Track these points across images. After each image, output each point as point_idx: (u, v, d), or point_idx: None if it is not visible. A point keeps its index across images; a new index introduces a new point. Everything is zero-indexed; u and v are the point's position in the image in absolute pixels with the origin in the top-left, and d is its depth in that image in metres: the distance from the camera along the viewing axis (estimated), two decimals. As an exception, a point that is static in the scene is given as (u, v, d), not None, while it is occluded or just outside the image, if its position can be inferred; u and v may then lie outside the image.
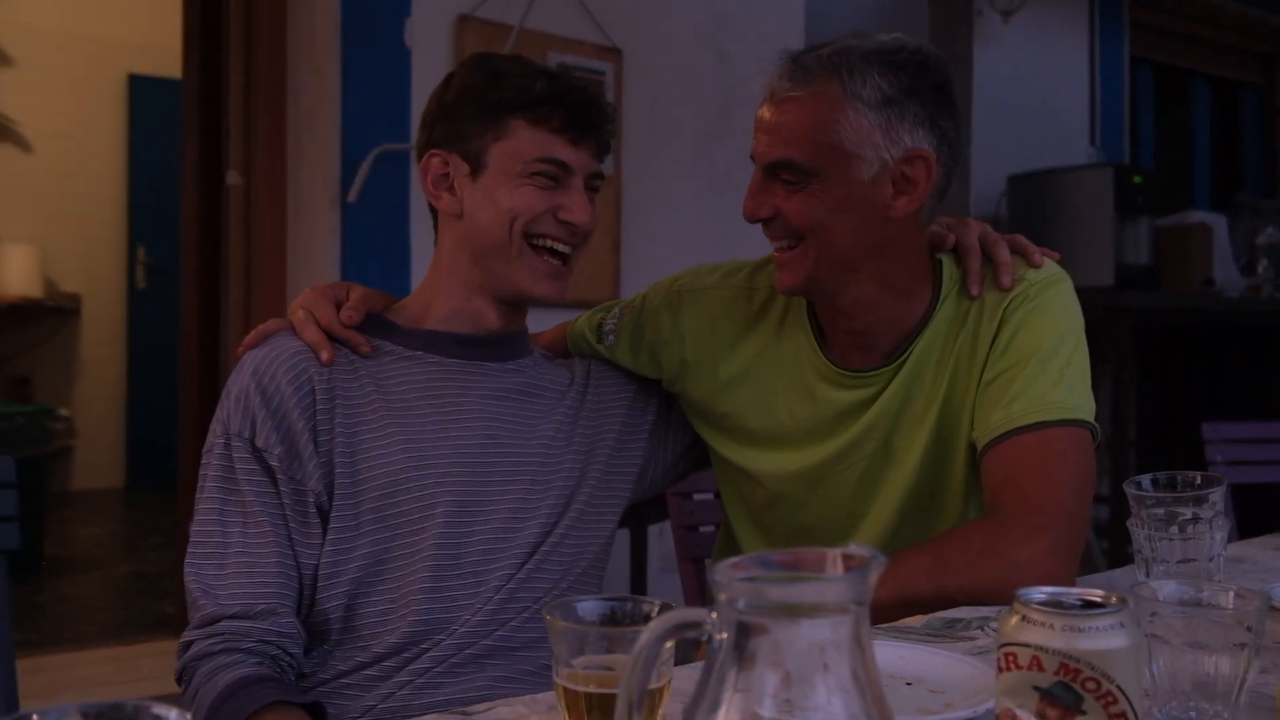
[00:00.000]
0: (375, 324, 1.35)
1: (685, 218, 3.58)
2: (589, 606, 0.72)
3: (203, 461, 1.27)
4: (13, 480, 1.83)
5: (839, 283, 1.31)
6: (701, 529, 1.84)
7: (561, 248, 1.31)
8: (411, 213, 3.25)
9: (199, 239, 3.48)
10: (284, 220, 3.28)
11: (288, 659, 1.20)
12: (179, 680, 1.20)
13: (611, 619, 0.72)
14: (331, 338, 1.29)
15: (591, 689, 0.69)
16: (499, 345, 1.37)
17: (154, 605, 3.80)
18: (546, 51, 3.27)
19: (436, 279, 1.38)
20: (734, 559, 0.51)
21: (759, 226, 1.35)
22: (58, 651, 3.23)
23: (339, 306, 1.33)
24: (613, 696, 0.68)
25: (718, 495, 1.60)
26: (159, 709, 0.55)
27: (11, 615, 1.73)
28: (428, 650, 1.22)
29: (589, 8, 3.40)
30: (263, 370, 1.26)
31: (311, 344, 1.28)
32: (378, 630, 1.23)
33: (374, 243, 3.23)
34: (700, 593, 1.80)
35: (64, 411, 4.45)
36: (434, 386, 1.32)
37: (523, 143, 1.29)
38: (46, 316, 5.79)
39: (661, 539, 3.15)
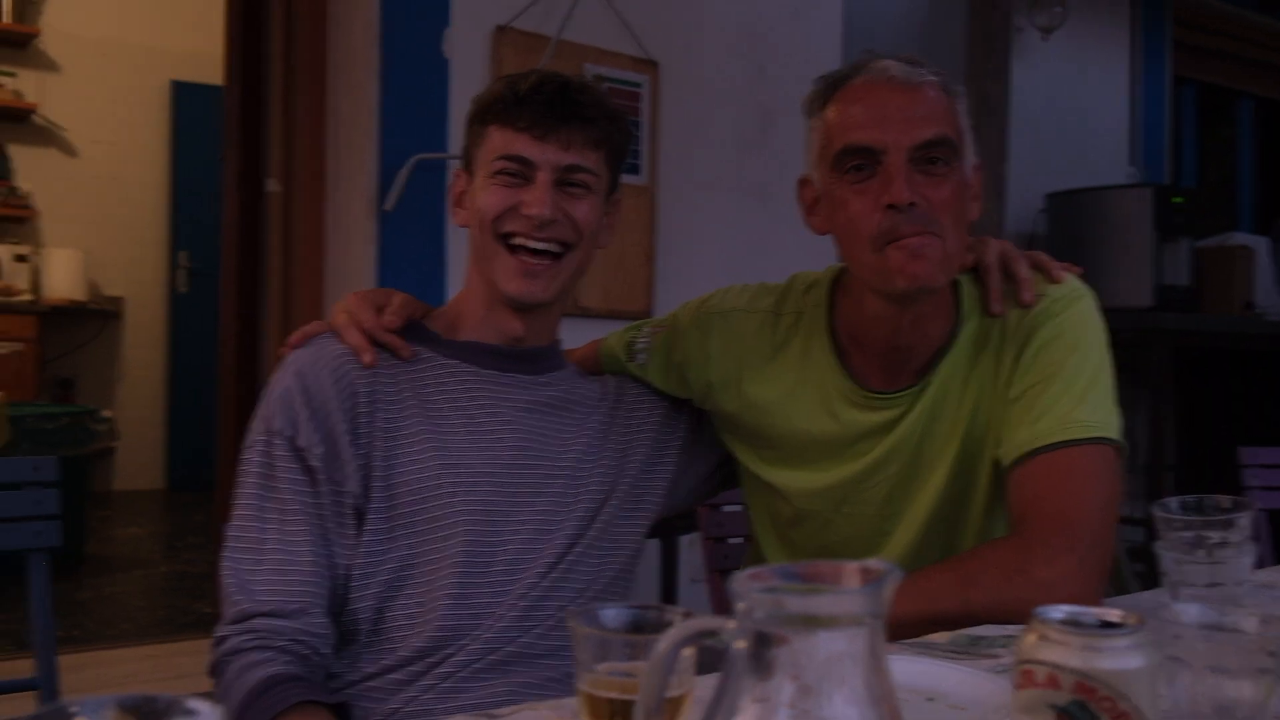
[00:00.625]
0: (414, 331, 1.37)
1: (721, 229, 3.59)
2: (613, 614, 0.73)
3: (243, 459, 1.29)
4: (55, 479, 1.87)
5: (939, 288, 1.31)
6: (730, 541, 1.85)
7: (535, 244, 1.31)
8: (447, 221, 3.29)
9: (239, 245, 3.54)
10: (323, 227, 3.32)
11: (318, 659, 1.22)
12: (212, 674, 1.21)
13: (635, 627, 0.73)
14: (373, 341, 1.32)
15: (613, 695, 0.70)
16: (533, 358, 1.39)
17: (192, 605, 3.85)
18: (583, 63, 3.29)
19: (467, 290, 1.41)
20: (752, 569, 0.52)
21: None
22: (98, 648, 3.28)
23: (380, 311, 1.35)
24: (633, 703, 0.69)
25: (747, 508, 1.61)
26: (192, 703, 0.57)
27: (54, 612, 1.77)
28: (452, 655, 1.23)
29: (626, 20, 3.42)
30: (306, 371, 1.28)
31: (354, 347, 1.30)
32: (404, 634, 1.25)
33: (410, 251, 3.26)
34: (728, 604, 1.80)
35: (106, 413, 4.52)
36: (469, 396, 1.33)
37: (492, 144, 1.32)
38: (90, 319, 5.88)
39: (692, 550, 3.15)
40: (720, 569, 1.83)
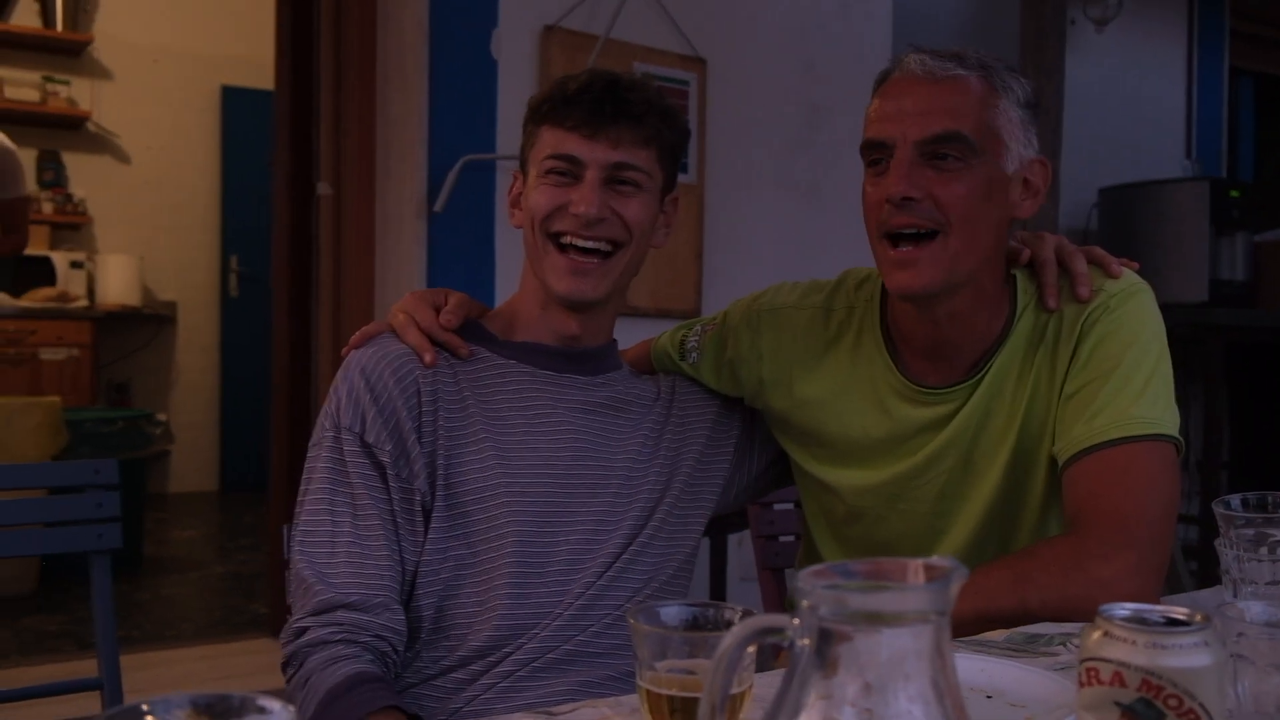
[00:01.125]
0: (471, 331, 1.38)
1: (769, 227, 3.59)
2: (672, 611, 0.74)
3: (310, 454, 1.30)
4: (116, 482, 1.91)
5: (955, 287, 1.30)
6: (781, 539, 1.85)
7: (583, 243, 1.32)
8: (496, 222, 3.31)
9: (290, 248, 3.58)
10: (372, 229, 3.35)
11: (395, 656, 1.23)
12: (287, 663, 1.22)
13: (694, 624, 0.73)
14: (432, 341, 1.33)
15: (674, 692, 0.70)
16: (588, 358, 1.39)
17: (247, 605, 3.90)
18: (631, 62, 3.30)
19: (522, 290, 1.42)
20: (816, 566, 0.52)
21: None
22: (156, 649, 3.33)
23: (438, 311, 1.36)
24: (694, 700, 0.69)
25: (798, 505, 1.61)
26: (264, 701, 0.58)
27: (116, 612, 1.80)
28: (511, 654, 1.24)
29: (674, 18, 3.42)
30: (370, 370, 1.29)
31: (414, 346, 1.32)
32: (464, 633, 1.26)
33: (460, 252, 3.28)
34: (779, 602, 1.80)
35: (161, 416, 4.58)
36: (526, 396, 1.34)
37: (543, 144, 1.33)
38: (144, 324, 5.98)
39: (740, 549, 3.15)
40: (771, 567, 1.83)
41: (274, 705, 0.57)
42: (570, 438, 1.34)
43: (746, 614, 0.72)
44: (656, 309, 3.26)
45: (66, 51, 5.78)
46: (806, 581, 0.51)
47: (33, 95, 5.59)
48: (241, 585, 4.19)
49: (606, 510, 1.33)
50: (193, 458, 6.08)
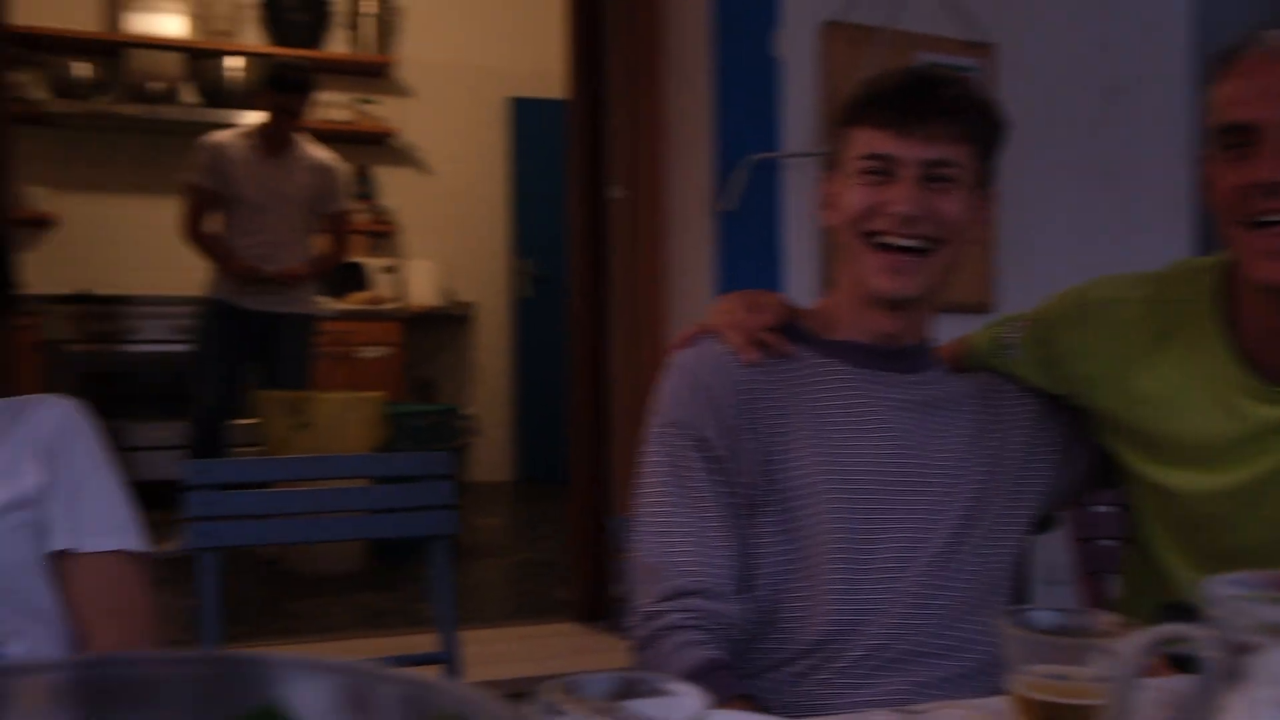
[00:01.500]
0: (789, 331, 1.41)
1: (1067, 215, 3.45)
2: (1042, 615, 0.74)
3: (645, 450, 1.37)
4: (446, 472, 2.07)
5: None
6: (1101, 542, 1.78)
7: (900, 241, 1.32)
8: (784, 220, 3.34)
9: (584, 250, 3.73)
10: (663, 230, 3.45)
11: (740, 647, 1.28)
12: (641, 647, 1.28)
13: (1064, 630, 0.74)
14: (752, 341, 1.37)
15: (1049, 698, 0.71)
16: (906, 357, 1.40)
17: (548, 591, 4.11)
18: (914, 52, 3.25)
19: (836, 290, 1.44)
20: (1224, 577, 0.52)
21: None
22: (472, 628, 3.56)
23: (757, 311, 1.41)
24: (1071, 707, 0.70)
25: (1125, 508, 1.55)
26: (673, 684, 0.63)
27: (455, 593, 1.95)
28: (845, 650, 1.27)
29: (958, 3, 3.34)
30: (697, 369, 1.35)
31: (736, 346, 1.36)
32: (795, 627, 1.29)
33: (748, 250, 3.33)
34: (1099, 607, 1.75)
35: (468, 411, 4.90)
36: (847, 395, 1.36)
37: (856, 144, 1.34)
38: (446, 324, 6.38)
39: (1047, 550, 3.05)
40: (1092, 571, 1.77)
41: (685, 689, 0.63)
42: (891, 436, 1.35)
43: (1121, 623, 0.71)
44: (948, 302, 3.19)
45: (374, 74, 6.24)
46: (1216, 592, 0.51)
47: (345, 115, 6.07)
48: (543, 572, 4.41)
49: (929, 509, 1.33)
50: (489, 450, 6.43)
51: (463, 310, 6.41)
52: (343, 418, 4.13)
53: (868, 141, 1.33)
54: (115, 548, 1.34)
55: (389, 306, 5.94)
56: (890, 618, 1.28)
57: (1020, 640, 0.73)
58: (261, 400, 4.30)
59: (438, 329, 6.34)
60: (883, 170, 1.32)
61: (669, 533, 1.30)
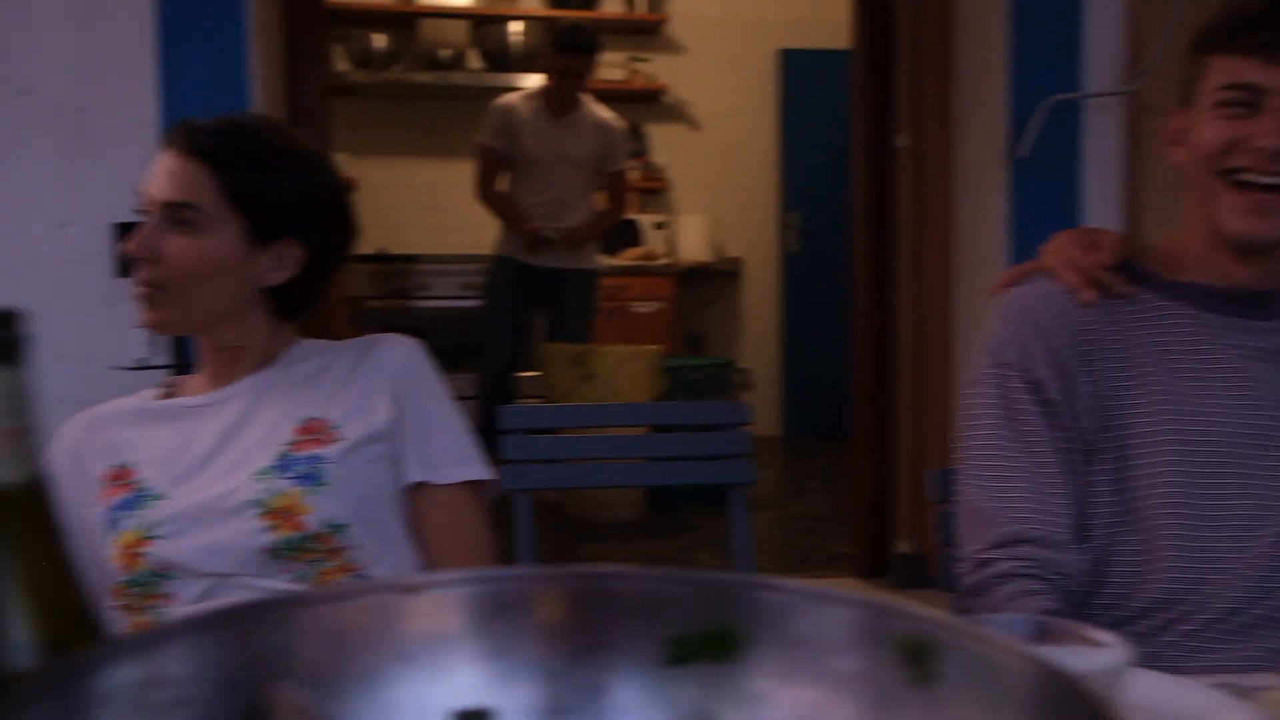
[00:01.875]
0: (1129, 271, 1.34)
1: None
2: None
3: (971, 391, 1.33)
4: (745, 420, 2.09)
5: None
6: None
7: (1265, 179, 1.22)
8: (1083, 165, 3.17)
9: (868, 201, 3.67)
10: (950, 179, 3.35)
11: (1077, 596, 1.24)
12: (972, 593, 1.26)
13: None
14: (1091, 280, 1.31)
15: None
16: (1261, 302, 1.30)
17: (824, 544, 4.11)
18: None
19: (1185, 230, 1.35)
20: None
21: None
22: (756, 578, 3.60)
23: (1093, 249, 1.34)
24: None
25: None
26: (1095, 633, 0.62)
27: (751, 541, 1.99)
28: (1192, 613, 1.20)
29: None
30: (1032, 307, 1.30)
31: (1072, 285, 1.31)
32: (1132, 583, 1.23)
33: (1044, 198, 3.19)
34: None
35: (743, 364, 4.94)
36: (1194, 340, 1.28)
37: (1215, 73, 1.24)
38: (716, 279, 6.43)
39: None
40: None
41: (1108, 637, 0.61)
42: (1241, 385, 1.26)
43: None
44: None
45: (646, 31, 6.32)
46: None
47: (619, 74, 6.18)
48: (819, 525, 4.41)
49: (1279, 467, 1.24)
50: (758, 403, 6.46)
51: (732, 265, 6.45)
52: (624, 370, 4.25)
53: (1230, 70, 1.24)
54: (466, 479, 1.42)
55: (661, 262, 6.03)
56: (1243, 580, 1.20)
57: None
58: (547, 353, 4.47)
59: (707, 284, 6.40)
60: (1247, 102, 1.23)
61: (1002, 477, 1.26)
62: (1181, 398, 1.25)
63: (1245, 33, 1.23)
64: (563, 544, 4.11)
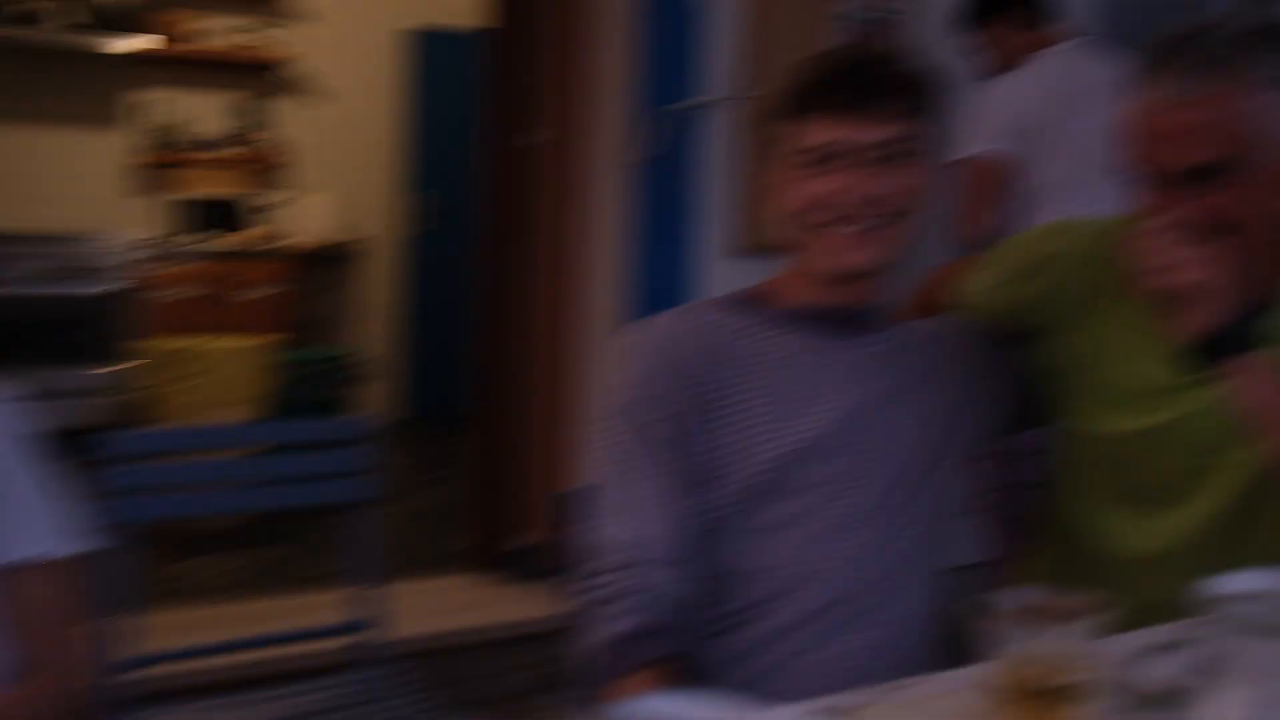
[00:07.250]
0: (740, 308, 1.48)
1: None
2: (1017, 595, 0.73)
3: (598, 420, 1.39)
4: (368, 437, 2.00)
5: None
6: (1012, 485, 1.79)
7: (846, 229, 1.34)
8: (703, 169, 3.31)
9: (495, 193, 3.64)
10: (582, 174, 3.41)
11: (684, 612, 1.28)
12: (579, 612, 1.30)
13: (1038, 609, 0.72)
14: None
15: (1033, 679, 0.69)
16: (859, 319, 1.42)
17: (441, 541, 4.02)
18: None
19: (787, 270, 1.45)
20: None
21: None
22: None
23: None
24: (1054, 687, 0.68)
25: (1035, 451, 1.61)
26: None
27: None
28: (785, 608, 1.33)
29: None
30: (644, 346, 1.41)
31: None
32: (739, 586, 1.34)
33: (664, 196, 3.30)
34: (1006, 550, 1.77)
35: (367, 350, 4.73)
36: (797, 358, 1.39)
37: (806, 136, 1.33)
38: (342, 261, 6.19)
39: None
40: (1002, 513, 1.79)
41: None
42: (845, 395, 1.39)
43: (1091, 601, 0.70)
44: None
45: (270, -1, 5.97)
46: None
47: (241, 41, 5.81)
48: (442, 521, 4.29)
49: (869, 467, 1.37)
50: (383, 389, 6.26)
51: (360, 246, 6.23)
52: (229, 366, 3.95)
53: (821, 131, 1.31)
54: (45, 557, 1.27)
55: (281, 243, 5.73)
56: (844, 577, 1.32)
57: (998, 623, 0.71)
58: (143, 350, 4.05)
59: (333, 266, 6.15)
60: (831, 157, 1.31)
61: (617, 502, 1.31)
62: (783, 418, 1.34)
63: (831, 96, 1.31)
64: (158, 559, 3.74)
